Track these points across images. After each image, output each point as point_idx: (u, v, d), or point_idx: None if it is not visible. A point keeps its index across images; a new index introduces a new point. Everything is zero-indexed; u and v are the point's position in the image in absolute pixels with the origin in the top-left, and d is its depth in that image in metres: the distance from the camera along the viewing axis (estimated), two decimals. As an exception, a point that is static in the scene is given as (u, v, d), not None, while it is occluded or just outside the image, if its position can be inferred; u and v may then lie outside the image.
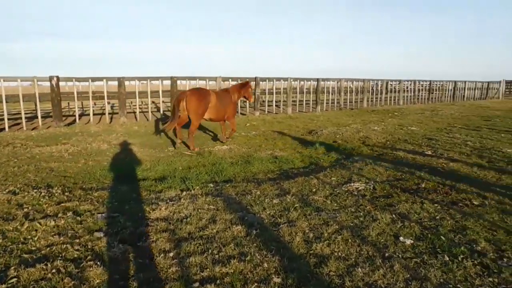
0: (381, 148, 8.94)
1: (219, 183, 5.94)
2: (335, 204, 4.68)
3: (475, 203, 4.74)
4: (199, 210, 4.46)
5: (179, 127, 9.01)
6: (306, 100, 18.13)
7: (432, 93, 26.03)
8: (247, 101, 13.07)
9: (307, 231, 3.84)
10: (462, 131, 11.74)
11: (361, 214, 4.33)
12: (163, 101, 14.61)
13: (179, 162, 7.53)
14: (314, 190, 5.31)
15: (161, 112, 14.54)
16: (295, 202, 4.75)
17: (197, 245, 3.51)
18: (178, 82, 14.71)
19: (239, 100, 10.43)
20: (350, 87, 20.71)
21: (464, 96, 28.43)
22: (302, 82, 18.25)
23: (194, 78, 15.12)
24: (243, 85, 9.91)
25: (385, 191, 5.25)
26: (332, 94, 19.42)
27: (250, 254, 3.31)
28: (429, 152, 8.16)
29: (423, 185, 5.50)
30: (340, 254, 3.35)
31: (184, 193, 5.24)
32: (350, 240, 3.61)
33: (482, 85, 30.88)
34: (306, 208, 4.49)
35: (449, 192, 5.18)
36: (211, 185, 5.72)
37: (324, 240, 3.60)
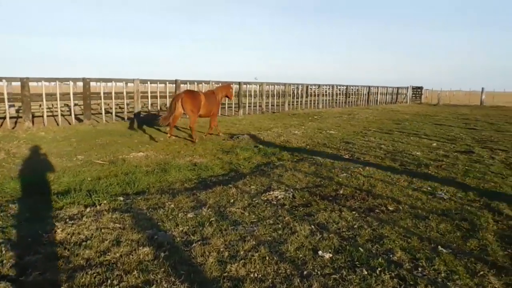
0: (301, 152, 8.96)
1: (131, 195, 5.44)
2: (253, 216, 4.45)
3: (390, 208, 4.79)
4: (103, 230, 3.95)
5: (173, 124, 10.50)
6: (228, 104, 17.92)
7: (349, 97, 27.27)
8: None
9: (222, 249, 3.54)
10: (376, 134, 12.28)
11: (280, 226, 4.14)
12: (76, 104, 13.57)
13: (88, 172, 6.86)
14: (232, 200, 5.04)
15: (73, 116, 13.42)
16: (211, 215, 4.43)
17: (94, 274, 3.04)
18: (93, 84, 13.77)
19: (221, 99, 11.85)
20: (272, 90, 20.89)
21: (377, 100, 30.21)
22: (224, 86, 17.98)
23: (109, 80, 14.22)
24: (226, 87, 11.62)
25: (304, 199, 5.13)
26: (254, 97, 19.44)
27: (156, 283, 2.92)
28: (347, 156, 8.32)
29: (341, 192, 5.49)
30: (256, 275, 3.09)
31: (88, 209, 4.68)
32: (267, 258, 3.38)
33: (393, 91, 33.13)
34: (223, 222, 4.20)
35: (366, 198, 5.21)
36: (121, 198, 5.20)
37: (240, 259, 3.33)
